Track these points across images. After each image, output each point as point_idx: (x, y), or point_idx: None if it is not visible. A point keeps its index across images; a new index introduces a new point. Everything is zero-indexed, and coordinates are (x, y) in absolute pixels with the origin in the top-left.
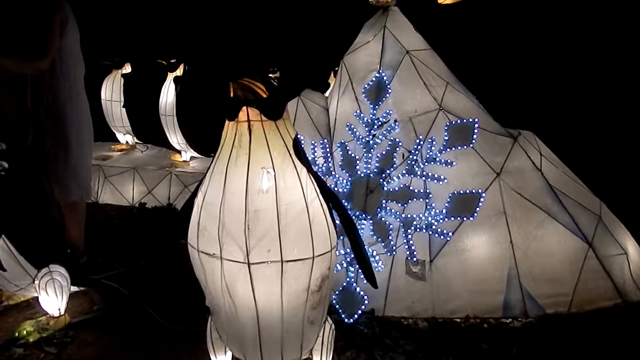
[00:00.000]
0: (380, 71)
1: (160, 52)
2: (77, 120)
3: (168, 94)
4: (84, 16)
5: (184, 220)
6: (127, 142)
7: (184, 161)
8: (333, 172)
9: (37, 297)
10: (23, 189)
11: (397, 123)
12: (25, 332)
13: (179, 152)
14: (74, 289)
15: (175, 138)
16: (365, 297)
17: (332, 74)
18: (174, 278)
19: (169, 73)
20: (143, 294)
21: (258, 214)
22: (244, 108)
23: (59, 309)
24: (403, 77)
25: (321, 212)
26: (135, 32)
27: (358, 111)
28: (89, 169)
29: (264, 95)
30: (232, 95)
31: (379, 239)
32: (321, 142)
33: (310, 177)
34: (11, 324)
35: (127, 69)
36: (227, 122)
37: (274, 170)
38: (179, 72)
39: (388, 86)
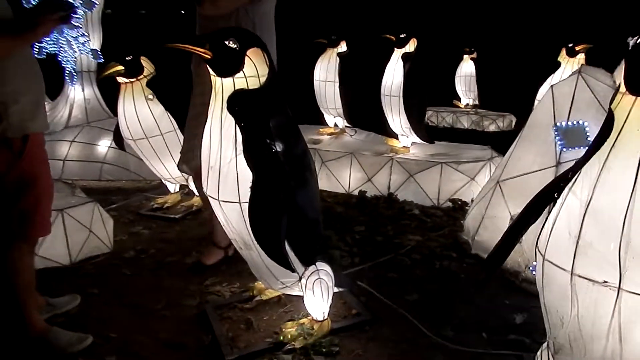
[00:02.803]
0: None
1: (385, 27)
2: None
3: (395, 73)
4: None
5: (521, 229)
6: (335, 124)
7: (404, 147)
8: None
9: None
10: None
11: None
12: (289, 337)
13: (396, 137)
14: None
15: (399, 121)
16: None
17: (562, 51)
18: (430, 280)
19: (396, 49)
20: (396, 297)
21: None
22: None
23: (324, 313)
24: None
25: None
26: (354, 6)
27: None
28: None
29: None
30: None
31: None
32: None
33: None
34: (266, 322)
35: (343, 47)
36: (621, 93)
37: None
38: (408, 47)
39: None
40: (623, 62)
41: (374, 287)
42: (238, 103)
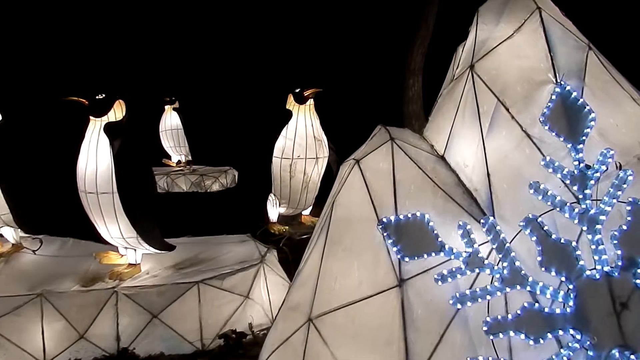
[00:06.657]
0: (561, 81)
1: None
2: None
3: (98, 157)
4: None
5: None
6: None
7: (131, 265)
8: (524, 274)
9: None
10: None
11: (626, 171)
12: None
13: (115, 249)
14: None
15: (117, 228)
16: None
17: (290, 97)
18: None
19: (92, 118)
20: None
21: None
22: None
23: None
24: (596, 88)
25: None
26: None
27: (546, 158)
28: None
29: None
30: None
31: None
32: (483, 221)
33: None
34: None
35: None
36: None
37: None
38: (113, 115)
39: (586, 106)
40: None
41: None
42: None
